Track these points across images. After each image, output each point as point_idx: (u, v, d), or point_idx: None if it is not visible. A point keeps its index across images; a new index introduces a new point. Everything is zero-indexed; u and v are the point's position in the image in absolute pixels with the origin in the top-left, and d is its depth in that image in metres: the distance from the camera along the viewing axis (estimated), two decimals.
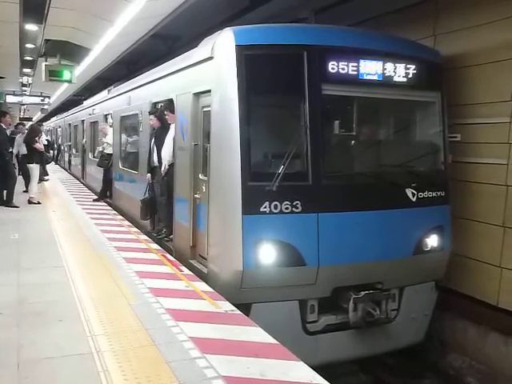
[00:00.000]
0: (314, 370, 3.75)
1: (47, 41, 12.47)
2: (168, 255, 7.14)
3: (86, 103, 20.05)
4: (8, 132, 13.52)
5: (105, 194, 13.09)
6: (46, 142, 15.75)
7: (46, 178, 16.30)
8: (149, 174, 8.60)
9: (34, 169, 12.14)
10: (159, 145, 8.28)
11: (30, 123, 25.75)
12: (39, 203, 11.52)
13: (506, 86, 6.39)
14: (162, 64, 8.83)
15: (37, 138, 12.36)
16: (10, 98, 25.56)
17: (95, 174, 15.12)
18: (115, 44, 11.31)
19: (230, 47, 5.57)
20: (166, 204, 8.01)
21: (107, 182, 12.85)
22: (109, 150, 12.58)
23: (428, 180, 6.43)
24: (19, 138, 13.82)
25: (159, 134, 8.39)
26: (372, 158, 6.52)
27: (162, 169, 8.04)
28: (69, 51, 13.30)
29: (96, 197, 13.41)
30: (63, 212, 10.74)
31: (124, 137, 11.63)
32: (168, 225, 7.94)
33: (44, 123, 34.24)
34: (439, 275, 6.67)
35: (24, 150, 12.52)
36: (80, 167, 18.75)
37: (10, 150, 12.95)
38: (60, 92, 23.87)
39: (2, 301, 5.03)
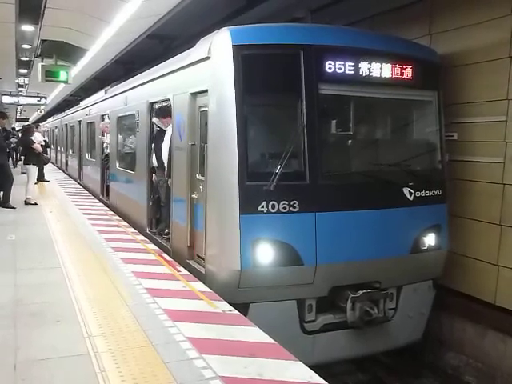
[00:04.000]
0: (312, 369, 3.74)
1: (43, 41, 12.43)
2: (165, 255, 7.11)
3: (82, 103, 20.00)
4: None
5: None
6: (43, 143, 15.69)
7: (45, 179, 16.24)
8: (154, 175, 8.56)
9: (31, 170, 12.11)
10: (157, 146, 8.25)
11: (26, 123, 25.68)
12: (36, 204, 11.48)
13: (502, 84, 6.40)
14: (159, 64, 8.82)
15: (32, 138, 12.32)
16: (6, 99, 25.52)
17: (92, 174, 15.09)
18: (112, 44, 11.29)
19: (227, 47, 5.56)
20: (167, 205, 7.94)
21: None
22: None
23: (425, 179, 6.44)
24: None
25: (157, 136, 8.38)
26: (369, 157, 6.52)
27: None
28: (65, 51, 13.27)
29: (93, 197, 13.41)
30: (60, 213, 10.70)
31: (121, 137, 11.60)
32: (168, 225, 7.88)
33: (40, 124, 34.10)
34: (436, 274, 6.69)
35: None
36: (77, 168, 18.74)
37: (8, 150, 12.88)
38: (56, 92, 23.84)
39: None
